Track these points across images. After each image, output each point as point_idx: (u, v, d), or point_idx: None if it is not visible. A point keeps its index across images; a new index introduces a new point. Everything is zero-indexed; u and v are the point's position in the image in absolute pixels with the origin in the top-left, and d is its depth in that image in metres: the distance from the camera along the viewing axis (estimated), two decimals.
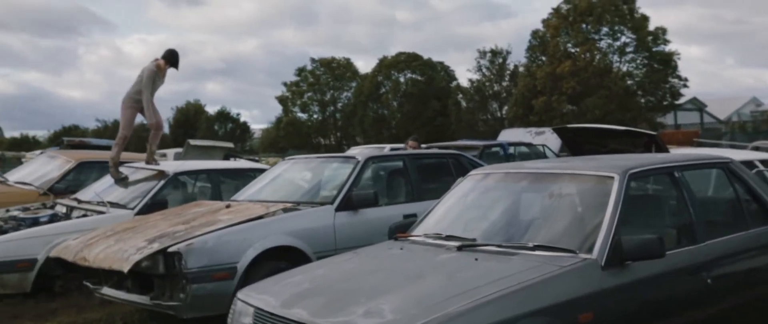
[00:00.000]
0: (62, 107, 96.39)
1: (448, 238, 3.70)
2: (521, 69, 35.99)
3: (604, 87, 30.95)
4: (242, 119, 65.62)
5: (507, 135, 17.69)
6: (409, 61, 42.84)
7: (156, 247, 4.31)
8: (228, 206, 5.21)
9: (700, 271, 3.56)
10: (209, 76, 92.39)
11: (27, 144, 49.83)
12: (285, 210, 5.05)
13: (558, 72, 31.36)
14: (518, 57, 36.72)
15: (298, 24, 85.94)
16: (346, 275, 3.47)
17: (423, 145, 9.71)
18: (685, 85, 34.26)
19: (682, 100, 36.64)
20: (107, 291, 4.75)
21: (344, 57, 50.87)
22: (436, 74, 43.12)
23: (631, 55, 34.42)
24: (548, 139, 13.49)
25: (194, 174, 7.35)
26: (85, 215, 6.43)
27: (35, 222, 6.41)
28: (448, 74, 44.50)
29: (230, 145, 23.45)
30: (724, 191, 4.20)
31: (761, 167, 6.69)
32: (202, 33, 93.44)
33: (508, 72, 38.02)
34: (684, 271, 3.51)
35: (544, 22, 35.26)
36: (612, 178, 3.57)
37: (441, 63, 44.38)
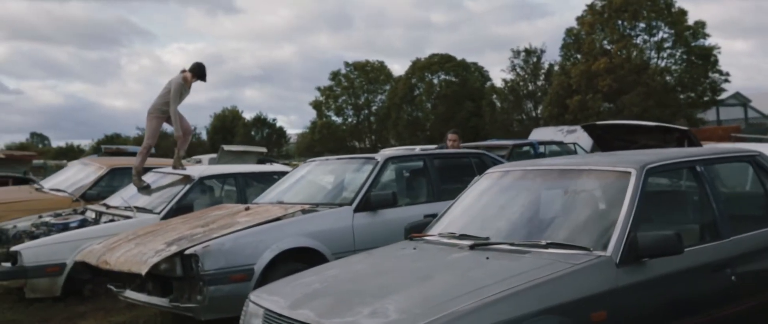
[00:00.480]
0: (106, 117, 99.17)
1: (462, 237, 3.65)
2: (556, 68, 35.56)
3: (642, 84, 30.35)
4: (279, 124, 66.32)
5: (538, 134, 17.46)
6: (442, 62, 42.72)
7: (173, 249, 4.35)
8: (247, 209, 5.24)
9: (724, 268, 3.43)
10: (247, 83, 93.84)
11: (72, 153, 51.21)
12: (304, 211, 5.05)
13: (593, 70, 30.87)
14: (554, 56, 36.28)
15: (333, 29, 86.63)
16: (356, 276, 3.44)
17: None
18: (726, 80, 33.42)
19: (724, 96, 35.69)
20: (129, 294, 4.81)
21: (378, 60, 51.05)
22: (469, 75, 42.91)
23: (669, 51, 33.73)
24: (580, 137, 13.26)
25: (220, 178, 7.42)
26: (112, 220, 6.55)
27: (65, 227, 6.55)
28: (482, 75, 44.24)
29: (263, 149, 23.71)
30: (754, 185, 4.05)
31: None
32: (240, 40, 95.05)
33: (543, 71, 37.63)
34: (706, 267, 3.38)
35: (579, 19, 34.79)
36: (629, 173, 3.47)
37: (474, 63, 44.24)
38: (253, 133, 70.20)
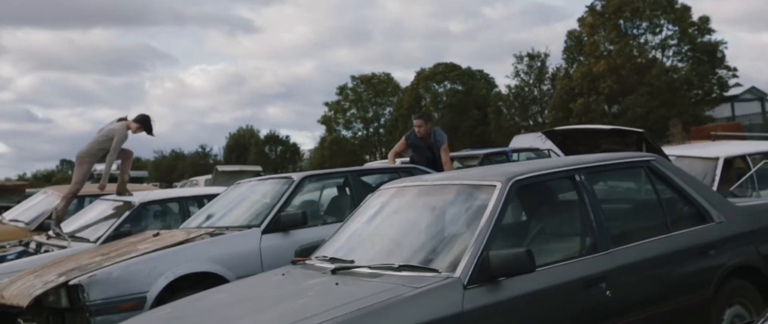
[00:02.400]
0: (134, 140, 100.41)
1: (332, 260, 3.51)
2: (561, 71, 35.21)
3: (646, 84, 29.88)
4: (292, 141, 66.63)
5: (518, 141, 17.18)
6: (446, 71, 42.53)
7: (61, 280, 4.26)
8: (155, 235, 5.14)
9: (598, 283, 3.24)
10: (269, 101, 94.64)
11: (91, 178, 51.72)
12: (211, 235, 4.94)
13: (594, 71, 30.48)
14: (559, 59, 35.77)
15: (352, 43, 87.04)
16: (211, 305, 3.31)
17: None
18: (734, 75, 32.79)
19: (739, 91, 35.05)
20: None
21: (384, 72, 51.00)
22: (475, 83, 42.65)
23: (674, 49, 33.19)
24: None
25: (162, 202, 7.34)
26: (47, 251, 6.49)
27: (2, 259, 6.51)
28: (489, 82, 43.95)
29: (258, 168, 23.63)
30: (646, 193, 3.85)
31: None
32: (260, 59, 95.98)
33: (548, 75, 37.25)
34: (577, 283, 3.19)
35: (580, 20, 34.39)
36: (493, 186, 3.31)
37: (480, 71, 43.93)
38: (266, 150, 70.53)
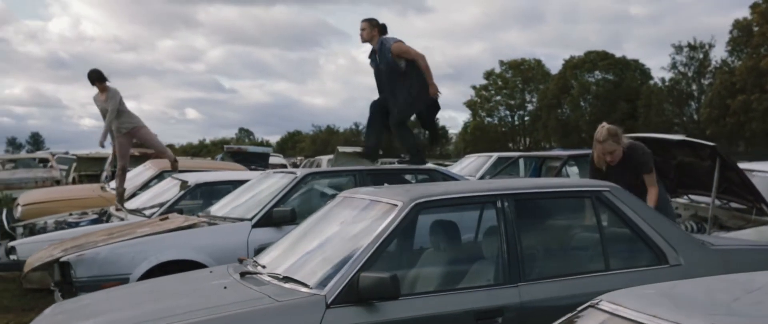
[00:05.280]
0: (307, 113, 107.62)
1: (255, 263, 3.59)
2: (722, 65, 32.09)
3: None
4: (441, 124, 67.03)
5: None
6: (597, 60, 40.39)
7: (57, 255, 4.72)
8: (163, 219, 5.50)
9: (492, 317, 3.02)
10: (437, 80, 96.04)
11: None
12: (209, 223, 5.20)
13: (762, 66, 27.40)
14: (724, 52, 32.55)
15: (523, 25, 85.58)
16: (126, 297, 3.51)
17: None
18: None
19: None
20: (57, 295, 5.28)
21: (535, 59, 49.51)
22: (628, 73, 40.11)
23: None
24: None
25: (215, 184, 7.78)
26: (108, 221, 7.18)
27: (76, 225, 7.31)
28: (644, 73, 41.12)
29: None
30: (588, 225, 3.49)
31: None
32: (430, 39, 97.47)
33: (711, 69, 34.10)
34: (466, 315, 3.00)
35: (753, 7, 30.89)
36: (395, 206, 3.20)
37: (635, 61, 41.19)
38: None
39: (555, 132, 41.13)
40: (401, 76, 5.80)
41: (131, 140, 7.92)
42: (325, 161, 22.73)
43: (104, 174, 13.24)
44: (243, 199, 5.70)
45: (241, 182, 7.75)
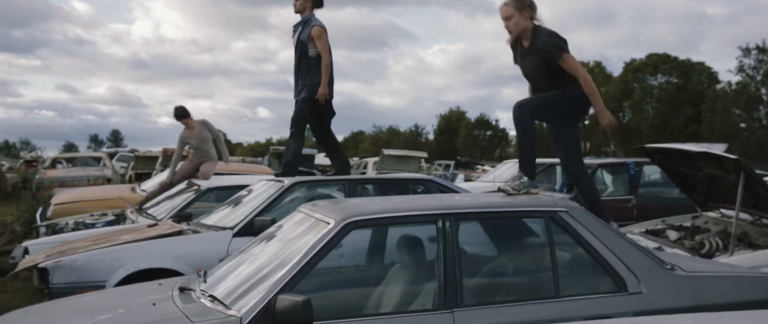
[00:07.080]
0: (375, 113, 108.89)
1: (202, 278, 3.51)
2: None
3: None
4: (502, 126, 65.92)
5: None
6: (658, 63, 38.90)
7: (39, 260, 4.78)
8: (150, 226, 5.51)
9: None
10: (506, 82, 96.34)
11: None
12: (194, 231, 5.18)
13: None
14: None
15: (594, 26, 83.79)
16: (56, 311, 3.48)
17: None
18: None
19: None
20: None
21: (595, 61, 48.09)
22: (693, 76, 38.46)
23: None
24: None
25: (225, 189, 7.79)
26: (118, 223, 7.29)
27: (91, 226, 7.46)
28: (711, 76, 39.32)
29: (424, 154, 23.83)
30: (539, 248, 3.24)
31: None
32: (498, 41, 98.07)
33: None
34: None
35: None
36: (327, 224, 3.06)
37: (701, 64, 39.45)
38: (475, 133, 70.68)
39: (615, 136, 39.81)
40: (308, 60, 5.81)
41: (195, 170, 8.13)
42: (371, 163, 22.71)
43: (153, 172, 13.67)
44: (233, 208, 5.66)
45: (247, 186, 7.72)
